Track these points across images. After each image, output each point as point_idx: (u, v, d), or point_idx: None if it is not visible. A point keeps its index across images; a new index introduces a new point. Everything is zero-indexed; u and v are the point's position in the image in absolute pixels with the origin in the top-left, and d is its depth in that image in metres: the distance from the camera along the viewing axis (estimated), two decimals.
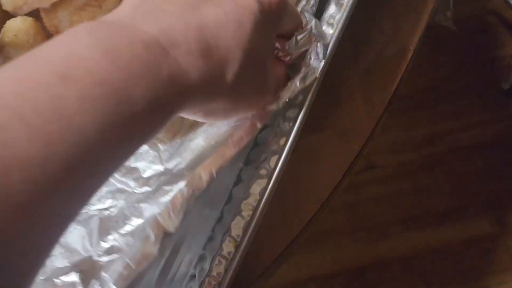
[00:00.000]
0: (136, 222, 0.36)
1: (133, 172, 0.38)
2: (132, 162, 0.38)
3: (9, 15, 0.35)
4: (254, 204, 0.31)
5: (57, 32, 0.35)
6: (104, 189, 0.38)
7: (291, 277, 1.11)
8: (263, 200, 0.30)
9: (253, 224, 0.29)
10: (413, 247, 1.15)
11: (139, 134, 0.24)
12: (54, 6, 0.35)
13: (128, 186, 0.38)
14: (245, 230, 0.29)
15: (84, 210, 0.37)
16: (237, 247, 0.29)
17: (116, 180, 0.38)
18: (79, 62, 0.22)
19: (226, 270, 0.29)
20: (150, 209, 0.36)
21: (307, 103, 0.30)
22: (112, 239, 0.36)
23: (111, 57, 0.22)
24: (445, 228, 1.16)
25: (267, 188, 0.31)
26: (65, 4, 0.34)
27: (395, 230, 1.16)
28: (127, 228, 0.36)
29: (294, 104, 0.32)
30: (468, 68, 1.27)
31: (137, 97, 0.23)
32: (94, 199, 0.37)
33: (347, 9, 0.36)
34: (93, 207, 0.38)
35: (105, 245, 0.36)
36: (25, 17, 0.35)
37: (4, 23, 0.34)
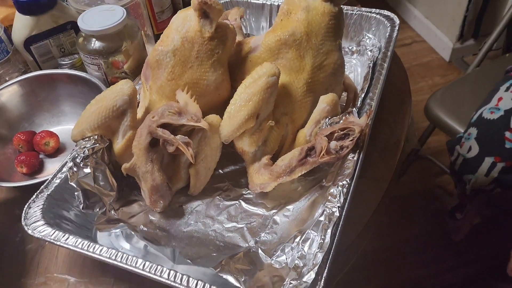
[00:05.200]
0: (274, 226, 0.60)
1: (262, 205, 0.64)
2: (259, 199, 0.65)
3: None
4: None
5: (242, 152, 0.63)
6: (244, 213, 0.63)
7: None
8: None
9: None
10: None
11: None
12: (241, 135, 0.62)
13: (260, 211, 0.63)
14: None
15: (232, 225, 0.62)
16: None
17: (251, 208, 0.63)
18: None
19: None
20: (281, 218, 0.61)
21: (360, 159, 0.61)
22: (263, 235, 0.60)
23: None
24: None
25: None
26: (247, 132, 0.62)
27: None
28: (268, 230, 0.60)
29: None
30: (427, 228, 1.56)
31: None
32: (238, 217, 0.62)
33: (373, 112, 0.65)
34: (239, 223, 0.62)
35: (258, 239, 0.59)
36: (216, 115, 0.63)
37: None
